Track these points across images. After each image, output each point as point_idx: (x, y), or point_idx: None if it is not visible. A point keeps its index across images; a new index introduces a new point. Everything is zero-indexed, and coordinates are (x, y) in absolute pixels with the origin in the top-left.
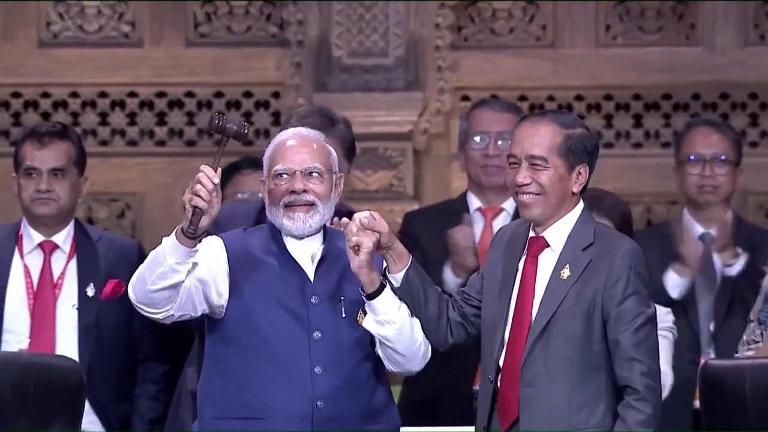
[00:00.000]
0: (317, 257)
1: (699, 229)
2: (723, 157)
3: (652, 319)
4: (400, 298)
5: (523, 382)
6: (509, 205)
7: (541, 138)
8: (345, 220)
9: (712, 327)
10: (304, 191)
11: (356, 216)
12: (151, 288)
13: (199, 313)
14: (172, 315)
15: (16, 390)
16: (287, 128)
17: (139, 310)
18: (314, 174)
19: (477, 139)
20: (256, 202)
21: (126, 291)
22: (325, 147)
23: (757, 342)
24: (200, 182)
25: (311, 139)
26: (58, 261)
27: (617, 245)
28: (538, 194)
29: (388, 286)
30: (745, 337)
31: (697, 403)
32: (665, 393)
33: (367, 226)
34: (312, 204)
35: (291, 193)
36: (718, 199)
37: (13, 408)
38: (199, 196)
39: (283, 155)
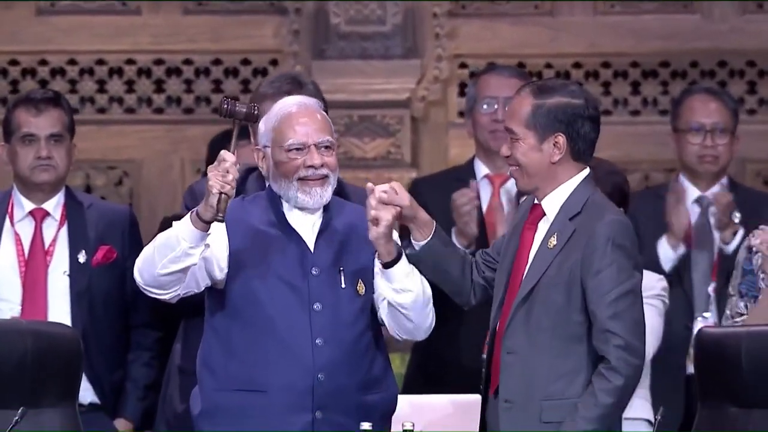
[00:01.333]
0: (317, 227)
1: (695, 193)
2: (722, 127)
3: (634, 292)
4: (424, 263)
5: (504, 348)
6: None
7: (513, 110)
8: (370, 185)
9: (711, 290)
10: (321, 165)
11: (376, 189)
12: (162, 272)
13: (203, 288)
14: (178, 295)
15: (13, 357)
16: (260, 94)
17: (146, 292)
18: (327, 147)
19: (485, 104)
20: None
21: (117, 257)
22: (326, 115)
23: (741, 314)
24: (228, 170)
25: (314, 108)
26: (49, 228)
27: (601, 216)
28: (517, 165)
29: (404, 257)
30: (728, 311)
31: (690, 368)
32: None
33: (386, 201)
34: (326, 176)
35: (307, 167)
36: (717, 168)
37: (11, 376)
38: (230, 184)
39: (293, 127)
